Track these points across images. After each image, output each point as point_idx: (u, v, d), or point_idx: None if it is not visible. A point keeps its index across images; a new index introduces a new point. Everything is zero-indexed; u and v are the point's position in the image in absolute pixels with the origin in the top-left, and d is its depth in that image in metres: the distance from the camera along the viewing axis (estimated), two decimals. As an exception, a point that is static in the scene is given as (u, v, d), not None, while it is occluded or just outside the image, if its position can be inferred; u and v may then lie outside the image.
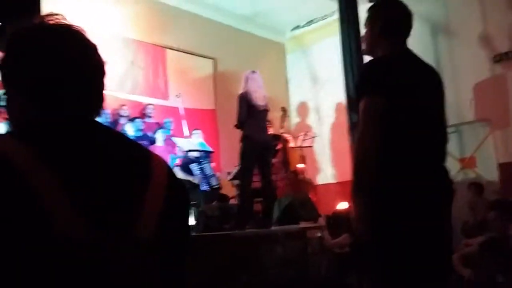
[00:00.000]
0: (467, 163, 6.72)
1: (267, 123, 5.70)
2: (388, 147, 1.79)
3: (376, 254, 1.86)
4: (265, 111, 4.88)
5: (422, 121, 1.88)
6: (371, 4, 2.36)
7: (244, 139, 4.67)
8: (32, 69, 0.86)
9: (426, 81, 1.99)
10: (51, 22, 0.91)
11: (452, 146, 6.94)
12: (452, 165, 6.74)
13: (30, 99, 0.87)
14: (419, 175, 1.81)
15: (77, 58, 0.89)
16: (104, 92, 0.95)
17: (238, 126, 4.71)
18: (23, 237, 0.71)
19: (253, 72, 4.87)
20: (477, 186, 6.05)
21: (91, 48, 0.92)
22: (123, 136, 1.00)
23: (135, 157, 0.91)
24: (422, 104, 1.90)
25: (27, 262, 0.71)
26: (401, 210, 1.76)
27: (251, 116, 4.64)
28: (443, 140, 2.00)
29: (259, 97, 4.72)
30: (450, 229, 1.95)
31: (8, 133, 0.90)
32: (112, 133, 0.95)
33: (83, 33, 0.93)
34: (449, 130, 6.67)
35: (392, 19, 2.02)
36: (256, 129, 4.69)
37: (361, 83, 1.93)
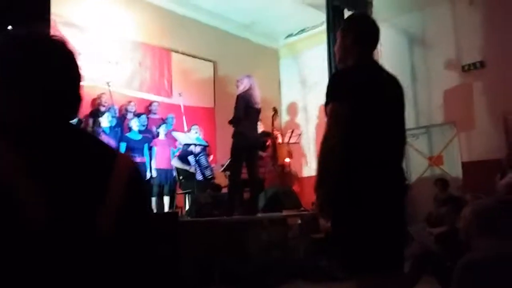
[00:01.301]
0: (435, 161, 6.76)
1: (259, 122, 5.72)
2: (350, 147, 1.81)
3: (339, 239, 1.89)
4: (258, 111, 4.87)
5: (382, 125, 1.89)
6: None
7: (237, 135, 4.66)
8: (13, 73, 0.87)
9: (388, 90, 2.00)
10: (36, 31, 0.93)
11: (422, 145, 7.02)
12: (421, 162, 6.86)
13: (9, 101, 0.87)
14: (377, 172, 1.83)
15: (56, 67, 0.90)
16: (78, 95, 0.95)
17: (233, 123, 4.69)
18: None
19: (250, 76, 4.85)
20: (442, 182, 6.08)
21: (69, 57, 0.93)
22: (90, 136, 1.01)
23: (99, 155, 0.92)
24: (383, 110, 1.91)
25: None
26: (360, 201, 1.78)
27: (246, 115, 4.62)
28: (401, 142, 2.02)
29: (255, 98, 4.71)
30: (403, 219, 1.97)
31: None
32: (81, 133, 0.96)
33: (64, 43, 0.94)
34: (420, 131, 6.67)
35: (362, 32, 2.03)
36: (248, 127, 4.68)
37: (330, 90, 1.93)
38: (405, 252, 2.01)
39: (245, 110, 4.54)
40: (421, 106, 7.01)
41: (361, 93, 1.85)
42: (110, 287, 0.86)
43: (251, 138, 4.68)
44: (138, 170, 0.99)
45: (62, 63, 0.92)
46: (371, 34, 2.04)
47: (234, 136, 4.64)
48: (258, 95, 4.70)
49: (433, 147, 6.90)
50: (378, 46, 6.92)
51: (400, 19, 7.38)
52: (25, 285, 0.75)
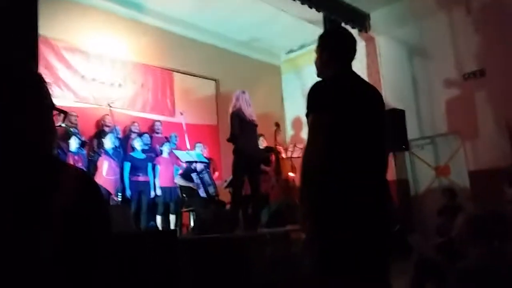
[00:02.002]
0: (441, 171, 6.67)
1: (258, 136, 5.74)
2: (330, 157, 1.82)
3: (320, 248, 1.88)
4: (254, 126, 4.87)
5: (361, 135, 1.89)
6: (339, 29, 2.40)
7: (236, 152, 4.67)
8: None
9: (366, 99, 2.01)
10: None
11: (428, 155, 6.95)
12: (428, 173, 6.77)
13: None
14: (356, 179, 1.82)
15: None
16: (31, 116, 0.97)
17: (231, 140, 4.71)
18: None
19: (243, 91, 4.88)
20: (450, 192, 5.98)
21: (32, 91, 0.96)
22: (45, 155, 0.99)
23: (49, 169, 0.94)
24: (362, 120, 1.92)
25: None
26: (340, 207, 1.78)
27: (242, 131, 4.63)
28: (382, 151, 2.01)
29: (249, 114, 4.73)
30: (384, 230, 1.94)
31: None
32: (34, 153, 0.96)
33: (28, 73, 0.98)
34: (424, 141, 6.62)
35: (338, 47, 2.06)
36: (246, 143, 4.68)
37: (309, 102, 1.95)
38: (388, 261, 1.98)
39: (240, 126, 4.56)
40: (424, 117, 6.96)
41: (339, 103, 1.87)
42: None
43: (251, 154, 4.68)
44: (89, 183, 0.99)
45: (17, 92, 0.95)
46: (346, 48, 2.07)
47: (234, 152, 4.65)
48: (251, 109, 4.72)
49: (439, 158, 6.82)
50: (378, 58, 6.92)
51: (398, 31, 7.41)
52: None
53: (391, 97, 6.73)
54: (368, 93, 2.03)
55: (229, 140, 4.73)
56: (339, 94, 1.89)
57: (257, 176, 4.90)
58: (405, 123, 6.30)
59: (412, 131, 6.62)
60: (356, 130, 1.87)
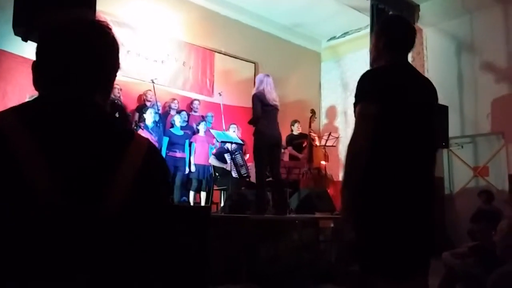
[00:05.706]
0: (480, 171, 6.39)
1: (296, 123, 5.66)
2: (377, 148, 1.76)
3: (361, 243, 1.84)
4: (276, 110, 4.81)
5: (410, 129, 1.82)
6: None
7: (256, 134, 4.66)
8: (44, 55, 0.91)
9: (419, 92, 1.92)
10: (79, 17, 0.95)
11: (467, 155, 6.66)
12: (465, 172, 6.50)
13: (39, 79, 0.92)
14: (403, 174, 1.76)
15: (81, 49, 0.91)
16: (107, 79, 0.97)
17: (253, 122, 4.70)
18: (3, 198, 0.75)
19: (267, 75, 4.84)
20: (487, 194, 5.74)
21: (98, 42, 0.93)
22: (110, 118, 0.99)
23: (115, 136, 0.92)
24: (412, 112, 1.84)
25: (5, 219, 0.75)
26: (383, 204, 1.72)
27: (263, 114, 4.61)
28: (431, 146, 1.93)
29: (271, 98, 4.69)
30: (429, 227, 1.88)
31: (14, 107, 0.89)
32: (101, 115, 0.94)
33: (104, 29, 0.95)
34: (465, 140, 6.36)
35: (395, 36, 1.96)
36: (267, 126, 4.64)
37: (358, 90, 1.89)
38: (430, 258, 1.91)
39: (262, 109, 4.53)
40: (467, 115, 6.65)
41: (390, 94, 1.78)
42: (119, 269, 0.86)
43: (271, 137, 4.64)
44: (154, 153, 0.97)
45: (90, 47, 0.93)
46: (404, 38, 1.96)
47: (254, 135, 4.65)
48: (274, 94, 4.68)
49: (478, 157, 6.53)
50: (424, 50, 6.67)
51: (447, 24, 7.05)
52: (34, 263, 0.76)
53: (434, 92, 6.46)
54: (422, 86, 1.94)
55: (250, 122, 4.73)
56: (390, 85, 1.80)
57: (277, 159, 4.85)
58: (448, 120, 6.05)
59: (453, 129, 6.35)
60: (405, 123, 1.79)
